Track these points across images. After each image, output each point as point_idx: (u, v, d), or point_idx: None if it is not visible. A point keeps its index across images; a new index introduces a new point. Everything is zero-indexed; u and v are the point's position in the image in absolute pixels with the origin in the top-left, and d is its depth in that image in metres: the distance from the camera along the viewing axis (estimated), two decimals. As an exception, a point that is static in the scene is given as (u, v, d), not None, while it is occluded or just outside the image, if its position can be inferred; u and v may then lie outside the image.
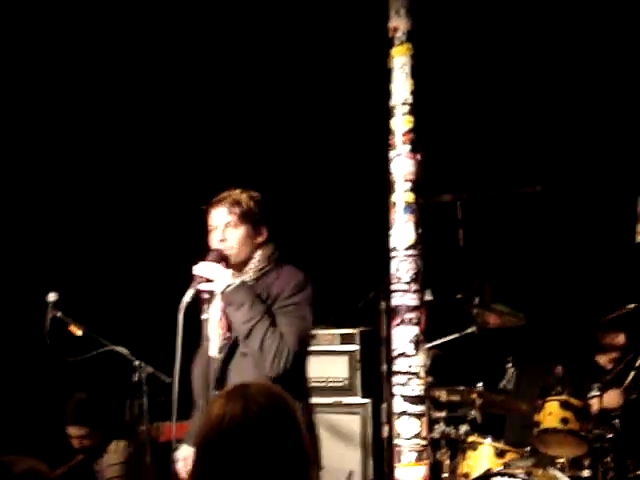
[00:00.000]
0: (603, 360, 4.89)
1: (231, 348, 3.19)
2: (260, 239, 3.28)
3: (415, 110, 3.33)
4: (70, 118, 5.58)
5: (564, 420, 4.31)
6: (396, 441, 3.18)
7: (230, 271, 3.16)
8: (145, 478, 4.33)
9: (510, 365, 4.94)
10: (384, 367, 4.71)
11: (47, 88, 5.30)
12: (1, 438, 4.93)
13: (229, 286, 3.10)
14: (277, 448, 1.85)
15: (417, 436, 3.16)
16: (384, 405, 4.81)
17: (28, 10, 4.61)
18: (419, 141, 3.35)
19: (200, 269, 3.13)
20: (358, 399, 5.41)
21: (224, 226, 3.24)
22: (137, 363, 4.33)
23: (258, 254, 3.26)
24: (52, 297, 4.51)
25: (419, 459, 3.16)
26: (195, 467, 1.85)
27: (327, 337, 5.46)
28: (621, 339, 4.84)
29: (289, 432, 1.90)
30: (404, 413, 3.17)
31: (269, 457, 1.83)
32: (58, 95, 5.39)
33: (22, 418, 5.20)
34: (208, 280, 3.11)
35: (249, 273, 3.24)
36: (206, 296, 3.14)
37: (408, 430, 3.17)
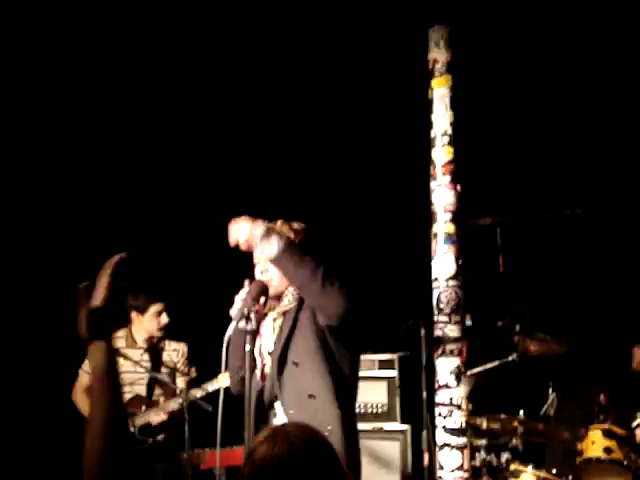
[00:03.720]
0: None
1: (280, 363, 3.18)
2: None
3: (455, 139, 3.35)
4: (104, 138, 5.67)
5: (607, 449, 4.26)
6: (439, 473, 3.18)
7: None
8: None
9: (552, 391, 4.88)
10: (424, 394, 4.69)
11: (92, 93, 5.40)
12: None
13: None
14: None
15: (459, 468, 3.17)
16: (424, 432, 4.79)
17: (28, 10, 4.67)
18: (459, 169, 3.36)
19: (234, 310, 3.14)
20: (397, 425, 5.39)
21: (266, 258, 3.25)
22: (179, 390, 4.37)
23: None
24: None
25: (462, 491, 3.16)
26: None
27: (366, 363, 5.44)
28: None
29: (332, 470, 1.91)
30: (446, 445, 3.18)
31: None
32: (103, 100, 5.49)
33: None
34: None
35: (288, 298, 3.22)
36: (249, 329, 3.14)
37: (450, 462, 3.17)
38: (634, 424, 4.34)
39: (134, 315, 4.74)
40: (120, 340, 4.73)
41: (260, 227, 3.08)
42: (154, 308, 4.71)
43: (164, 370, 4.71)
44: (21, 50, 4.95)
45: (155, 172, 5.82)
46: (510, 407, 4.63)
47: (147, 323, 4.72)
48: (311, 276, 3.03)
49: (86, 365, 4.83)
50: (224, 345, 3.09)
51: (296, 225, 3.29)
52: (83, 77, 5.26)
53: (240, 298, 3.18)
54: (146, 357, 4.73)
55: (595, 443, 4.30)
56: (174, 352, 4.81)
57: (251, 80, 5.27)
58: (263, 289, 3.22)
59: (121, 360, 4.71)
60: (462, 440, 3.18)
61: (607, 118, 5.36)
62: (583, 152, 5.54)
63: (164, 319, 4.72)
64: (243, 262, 3.40)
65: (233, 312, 3.15)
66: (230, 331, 3.10)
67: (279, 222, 3.28)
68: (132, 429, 4.59)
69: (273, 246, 3.06)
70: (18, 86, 5.14)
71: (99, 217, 5.71)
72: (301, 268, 3.04)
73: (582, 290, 5.56)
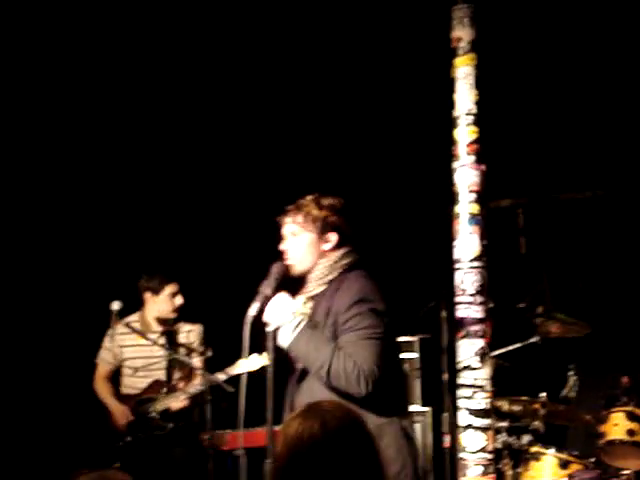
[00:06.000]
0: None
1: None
2: (327, 246, 3.17)
3: (479, 119, 3.30)
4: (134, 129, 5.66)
5: (630, 432, 4.24)
6: (461, 454, 3.15)
7: (292, 309, 3.08)
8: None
9: (572, 373, 4.86)
10: (445, 376, 4.68)
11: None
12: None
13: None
14: (355, 466, 1.85)
15: (483, 450, 3.14)
16: (445, 414, 4.77)
17: (28, 10, 4.67)
18: (483, 150, 3.32)
19: (268, 315, 3.09)
20: (418, 407, 5.38)
21: (289, 235, 3.22)
22: (202, 372, 4.37)
23: (321, 262, 3.16)
24: (116, 306, 4.58)
25: (485, 473, 3.14)
26: None
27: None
28: None
29: (365, 449, 1.90)
30: (469, 426, 3.15)
31: (347, 475, 1.83)
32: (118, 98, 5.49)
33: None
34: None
35: (312, 284, 3.18)
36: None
37: (473, 444, 3.15)
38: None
39: (148, 296, 4.74)
40: (135, 324, 4.73)
41: (290, 318, 3.06)
42: (169, 289, 4.71)
43: (181, 352, 4.71)
44: (21, 50, 4.95)
45: (172, 148, 5.80)
46: (531, 389, 4.61)
47: (161, 304, 4.72)
48: (318, 367, 2.99)
49: (102, 354, 4.86)
50: (246, 327, 3.08)
51: (326, 201, 3.20)
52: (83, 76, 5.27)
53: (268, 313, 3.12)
54: (163, 340, 4.74)
55: (618, 425, 4.27)
56: (189, 333, 4.82)
57: (276, 59, 5.24)
58: (285, 271, 3.20)
59: (139, 345, 4.72)
60: (486, 421, 3.15)
61: (630, 99, 5.29)
62: (604, 133, 5.48)
63: (178, 300, 4.73)
64: (258, 244, 3.38)
65: (265, 315, 3.11)
66: (252, 313, 3.09)
67: (308, 197, 3.21)
68: (153, 414, 4.61)
69: (287, 331, 3.05)
70: (19, 87, 5.15)
71: (112, 194, 5.70)
72: (313, 357, 3.00)
73: (604, 272, 5.51)
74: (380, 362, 2.99)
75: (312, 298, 3.19)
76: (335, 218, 3.18)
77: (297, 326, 3.05)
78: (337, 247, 3.19)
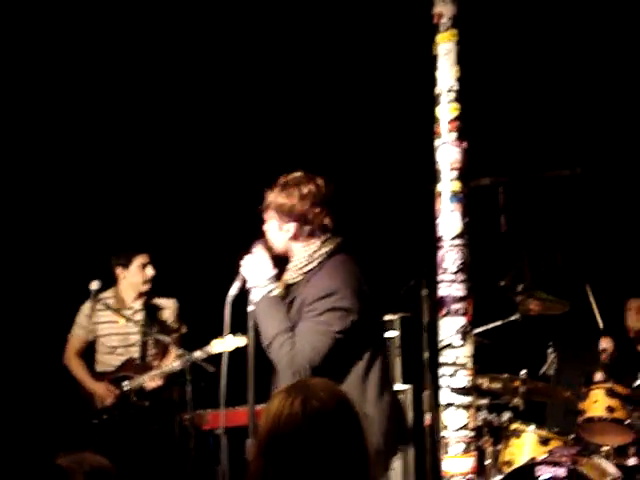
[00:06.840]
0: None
1: None
2: (288, 234, 3.12)
3: (460, 96, 3.28)
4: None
5: (610, 408, 4.26)
6: (443, 433, 3.16)
7: (268, 275, 3.09)
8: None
9: (552, 351, 4.89)
10: (426, 355, 4.69)
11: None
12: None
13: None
14: (337, 446, 1.83)
15: (464, 428, 3.14)
16: (426, 393, 4.78)
17: (28, 10, 4.62)
18: (464, 127, 3.30)
19: (245, 268, 3.10)
20: (398, 385, 5.38)
21: (266, 217, 3.19)
22: (181, 352, 4.35)
23: (300, 252, 3.13)
24: (95, 285, 4.54)
25: (466, 451, 3.14)
26: (255, 464, 1.84)
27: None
28: None
29: (350, 430, 1.88)
30: (451, 404, 3.15)
31: (329, 456, 1.81)
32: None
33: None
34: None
35: (290, 273, 3.16)
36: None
37: (455, 422, 3.15)
38: (636, 383, 4.34)
39: (119, 271, 4.71)
40: (110, 300, 4.70)
41: (267, 270, 3.07)
42: (138, 260, 4.67)
43: (156, 328, 4.69)
44: (21, 50, 4.88)
45: (147, 124, 5.73)
46: (512, 367, 4.63)
47: (133, 276, 4.68)
48: (265, 338, 3.03)
49: (75, 330, 4.81)
50: (227, 307, 3.05)
51: (296, 190, 3.08)
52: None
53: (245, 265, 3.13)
54: (139, 317, 4.70)
55: (597, 402, 4.30)
56: (164, 309, 4.80)
57: (258, 42, 5.21)
58: (268, 249, 3.17)
59: (114, 321, 4.69)
60: (467, 399, 3.16)
61: (607, 78, 5.30)
62: (583, 112, 5.49)
63: (150, 271, 4.69)
64: (233, 220, 3.34)
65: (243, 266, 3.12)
66: (233, 291, 3.06)
67: (281, 181, 3.15)
68: (129, 392, 4.59)
69: (257, 294, 3.05)
70: (19, 86, 5.08)
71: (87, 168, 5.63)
72: (263, 327, 3.04)
73: (584, 250, 5.54)
74: (319, 360, 2.97)
75: (288, 287, 3.16)
76: (301, 207, 3.07)
77: (269, 292, 3.06)
78: (315, 235, 3.12)
